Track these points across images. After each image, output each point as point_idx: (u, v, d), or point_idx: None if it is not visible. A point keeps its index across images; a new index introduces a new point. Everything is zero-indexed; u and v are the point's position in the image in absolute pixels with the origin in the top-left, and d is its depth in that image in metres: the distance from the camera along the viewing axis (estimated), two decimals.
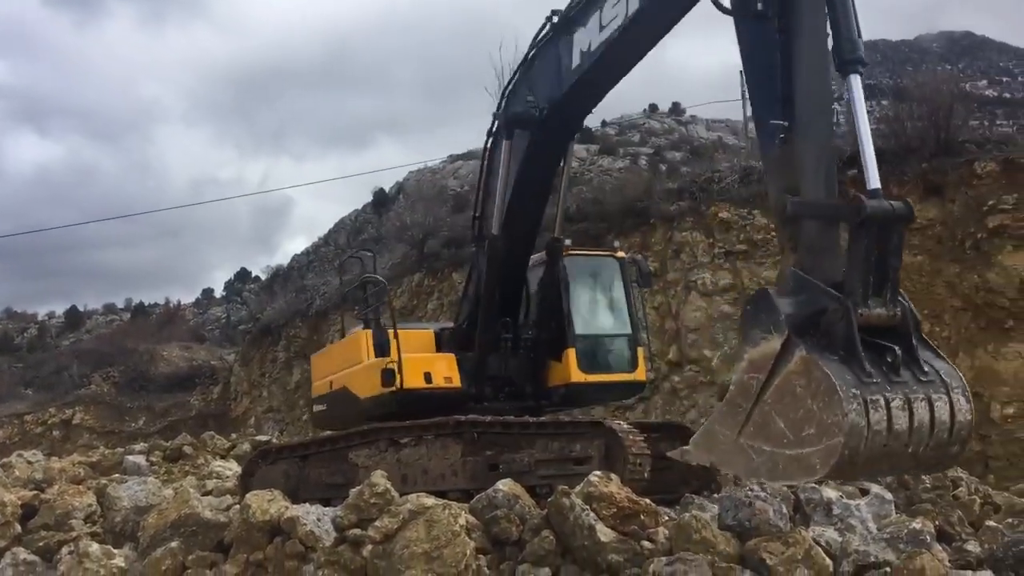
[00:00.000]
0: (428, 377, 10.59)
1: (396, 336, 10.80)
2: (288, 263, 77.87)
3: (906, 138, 19.46)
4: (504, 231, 10.77)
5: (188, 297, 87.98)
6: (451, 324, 12.24)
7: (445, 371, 10.82)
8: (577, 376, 11.12)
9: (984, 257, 17.26)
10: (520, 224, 10.96)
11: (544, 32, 10.13)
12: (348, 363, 11.60)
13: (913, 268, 17.90)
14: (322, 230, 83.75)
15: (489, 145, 11.30)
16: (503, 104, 10.87)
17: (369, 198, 74.59)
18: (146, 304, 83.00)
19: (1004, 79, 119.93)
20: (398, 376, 10.43)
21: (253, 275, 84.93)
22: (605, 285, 11.96)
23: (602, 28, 9.12)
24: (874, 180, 6.69)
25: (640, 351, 11.83)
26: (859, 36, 7.05)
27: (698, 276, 19.77)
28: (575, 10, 9.64)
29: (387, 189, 72.21)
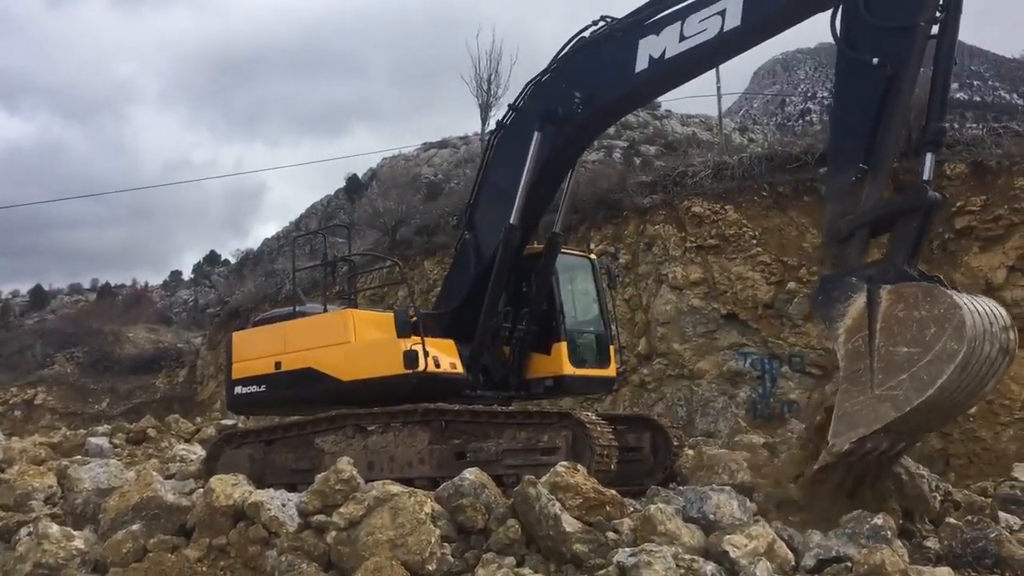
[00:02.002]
0: (437, 362, 10.47)
1: (419, 318, 10.71)
2: (258, 247, 77.39)
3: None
4: (520, 221, 10.91)
5: (156, 279, 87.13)
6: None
7: (451, 357, 10.74)
8: (568, 369, 11.37)
9: (951, 257, 17.41)
10: (532, 215, 11.20)
11: (593, 34, 10.62)
12: (323, 342, 11.17)
13: None
14: (294, 215, 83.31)
15: (499, 137, 11.47)
16: (529, 98, 11.19)
17: (342, 184, 74.26)
18: (112, 285, 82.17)
19: (975, 83, 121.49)
20: (423, 359, 10.27)
21: (222, 258, 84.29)
22: (585, 284, 12.29)
23: (683, 39, 9.69)
24: (928, 174, 8.36)
25: (611, 348, 12.13)
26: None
27: (669, 270, 19.78)
28: (643, 18, 10.13)
29: (360, 175, 71.88)
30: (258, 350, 11.91)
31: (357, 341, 10.88)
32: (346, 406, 10.65)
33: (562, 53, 10.90)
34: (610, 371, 12.10)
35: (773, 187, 19.45)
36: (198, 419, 22.57)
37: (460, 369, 10.72)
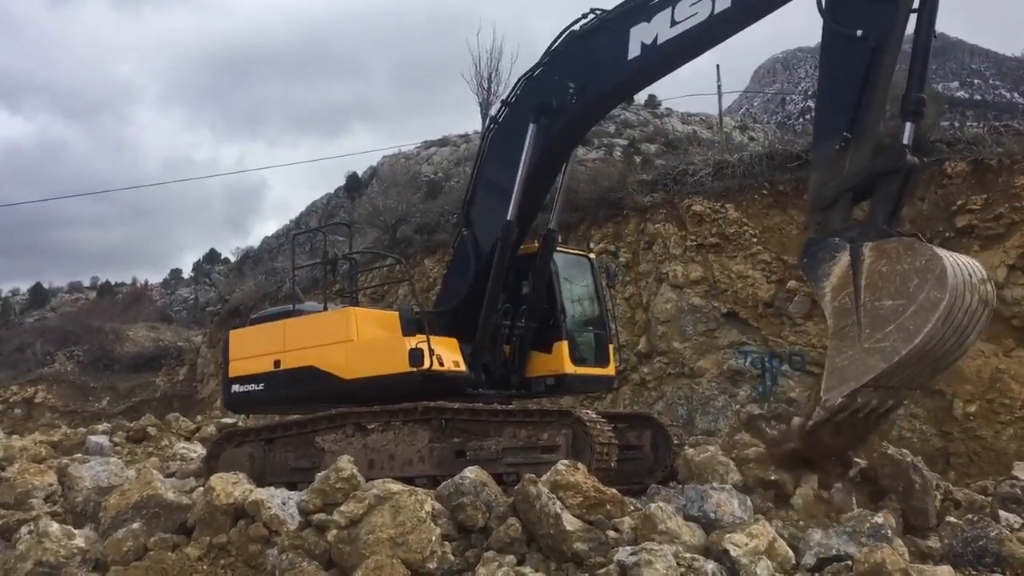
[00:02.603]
0: (440, 360, 10.46)
1: (424, 316, 10.71)
2: (259, 245, 77.45)
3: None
4: (517, 217, 10.92)
5: (156, 278, 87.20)
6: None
7: (454, 355, 10.71)
8: (569, 368, 11.38)
9: None
10: (529, 211, 11.21)
11: (583, 27, 10.80)
12: (325, 340, 11.13)
13: None
14: (294, 214, 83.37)
15: (493, 133, 11.51)
16: (522, 92, 11.29)
17: (342, 183, 74.28)
18: (113, 283, 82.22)
19: (975, 81, 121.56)
20: (428, 357, 10.26)
21: (222, 257, 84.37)
22: (585, 283, 12.29)
23: (674, 24, 9.90)
24: (907, 140, 8.60)
25: (611, 347, 12.13)
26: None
27: (669, 268, 19.75)
28: (633, 7, 10.34)
29: (360, 174, 71.90)
30: (256, 348, 11.85)
31: (359, 339, 10.87)
32: (347, 404, 10.64)
33: (553, 47, 11.03)
34: (609, 370, 12.12)
35: (774, 185, 19.43)
36: (198, 417, 22.58)
37: (463, 367, 10.72)
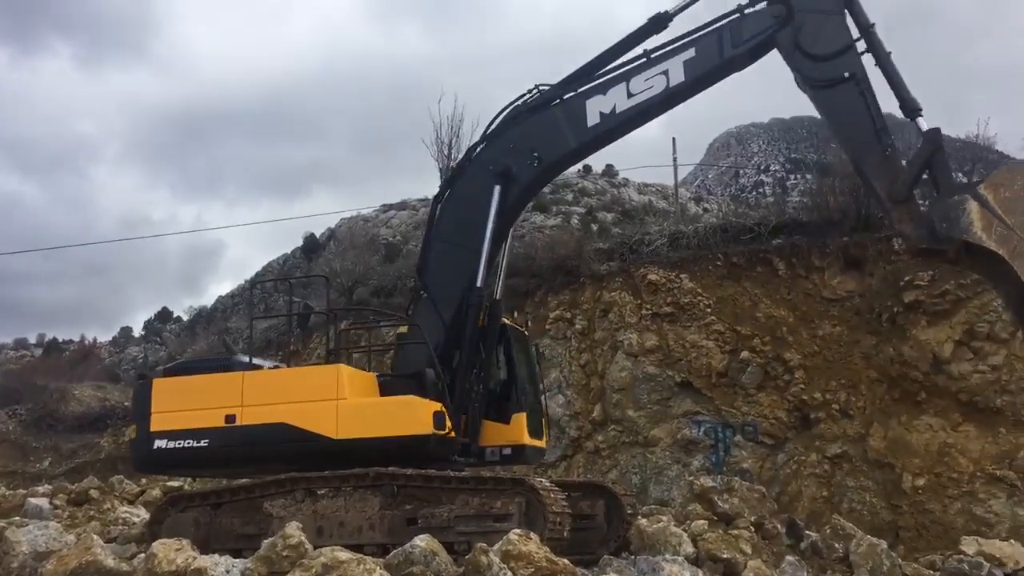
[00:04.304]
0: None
1: (442, 379, 10.62)
2: (212, 304, 76.63)
3: (828, 212, 20.10)
4: (483, 283, 11.09)
5: (105, 336, 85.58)
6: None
7: (449, 420, 10.50)
8: (527, 439, 11.40)
9: (899, 331, 17.77)
10: (487, 275, 11.26)
11: (527, 103, 11.33)
12: (305, 397, 10.52)
13: (832, 339, 18.36)
14: (250, 273, 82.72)
15: (444, 201, 11.68)
16: (475, 161, 11.54)
17: (299, 244, 74.04)
18: (60, 340, 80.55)
19: None
20: (448, 420, 10.21)
21: (175, 315, 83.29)
22: (526, 356, 12.33)
23: (631, 96, 10.82)
24: (927, 125, 9.94)
25: (543, 420, 12.32)
26: None
27: (625, 336, 19.91)
28: (584, 82, 11.13)
29: (318, 236, 71.77)
30: (196, 401, 10.98)
31: (354, 399, 10.46)
32: (332, 465, 10.26)
33: (499, 119, 11.39)
34: (543, 443, 12.23)
35: (728, 257, 19.80)
36: (143, 480, 22.02)
37: (452, 432, 10.55)
